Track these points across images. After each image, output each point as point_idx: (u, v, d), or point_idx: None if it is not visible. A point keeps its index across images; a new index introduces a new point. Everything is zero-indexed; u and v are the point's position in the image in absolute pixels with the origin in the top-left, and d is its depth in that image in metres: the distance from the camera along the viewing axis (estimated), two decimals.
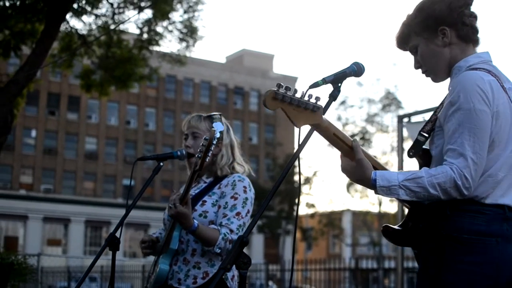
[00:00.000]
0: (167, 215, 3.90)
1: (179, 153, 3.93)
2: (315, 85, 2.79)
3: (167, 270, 3.74)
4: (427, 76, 3.03)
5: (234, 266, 2.47)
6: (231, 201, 3.75)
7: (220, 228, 3.67)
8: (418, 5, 3.02)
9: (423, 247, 2.87)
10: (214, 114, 4.01)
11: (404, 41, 3.07)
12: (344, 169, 2.88)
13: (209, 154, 3.54)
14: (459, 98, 2.74)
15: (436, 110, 3.00)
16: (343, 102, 42.45)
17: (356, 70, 2.91)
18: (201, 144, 3.54)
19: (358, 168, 2.82)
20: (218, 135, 3.50)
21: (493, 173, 2.78)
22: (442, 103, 2.98)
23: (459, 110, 2.73)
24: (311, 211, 49.90)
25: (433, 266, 2.77)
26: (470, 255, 2.71)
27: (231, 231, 3.66)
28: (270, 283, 30.45)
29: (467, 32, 2.95)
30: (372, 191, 2.84)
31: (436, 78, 3.03)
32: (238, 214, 3.72)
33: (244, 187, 3.82)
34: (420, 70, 3.04)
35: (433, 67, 3.00)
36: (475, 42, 2.98)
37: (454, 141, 2.73)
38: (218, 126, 3.55)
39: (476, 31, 2.98)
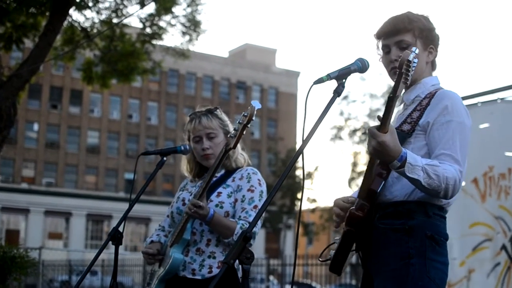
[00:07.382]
0: (176, 208, 3.92)
1: (182, 148, 3.94)
2: (319, 80, 2.83)
3: (182, 259, 3.74)
4: (393, 74, 3.05)
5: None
6: (248, 194, 3.78)
7: (238, 221, 3.70)
8: (421, 15, 3.17)
9: (404, 246, 2.94)
10: (214, 109, 3.99)
11: (399, 30, 3.13)
12: (383, 139, 2.75)
13: (244, 132, 3.53)
14: (452, 111, 2.96)
15: (410, 114, 3.07)
16: (345, 97, 42.49)
17: (361, 66, 2.94)
18: (238, 122, 3.51)
19: (394, 138, 2.77)
20: (259, 106, 3.46)
21: None
22: (418, 110, 3.04)
23: (451, 122, 2.94)
24: (312, 206, 49.96)
25: (417, 263, 2.91)
26: (441, 256, 2.98)
27: (249, 223, 3.64)
28: (271, 277, 30.48)
29: (435, 59, 3.22)
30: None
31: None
32: (255, 207, 3.74)
33: (259, 179, 3.85)
34: (392, 64, 3.11)
35: None
36: (434, 70, 3.25)
37: (448, 147, 2.91)
38: (256, 104, 3.48)
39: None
